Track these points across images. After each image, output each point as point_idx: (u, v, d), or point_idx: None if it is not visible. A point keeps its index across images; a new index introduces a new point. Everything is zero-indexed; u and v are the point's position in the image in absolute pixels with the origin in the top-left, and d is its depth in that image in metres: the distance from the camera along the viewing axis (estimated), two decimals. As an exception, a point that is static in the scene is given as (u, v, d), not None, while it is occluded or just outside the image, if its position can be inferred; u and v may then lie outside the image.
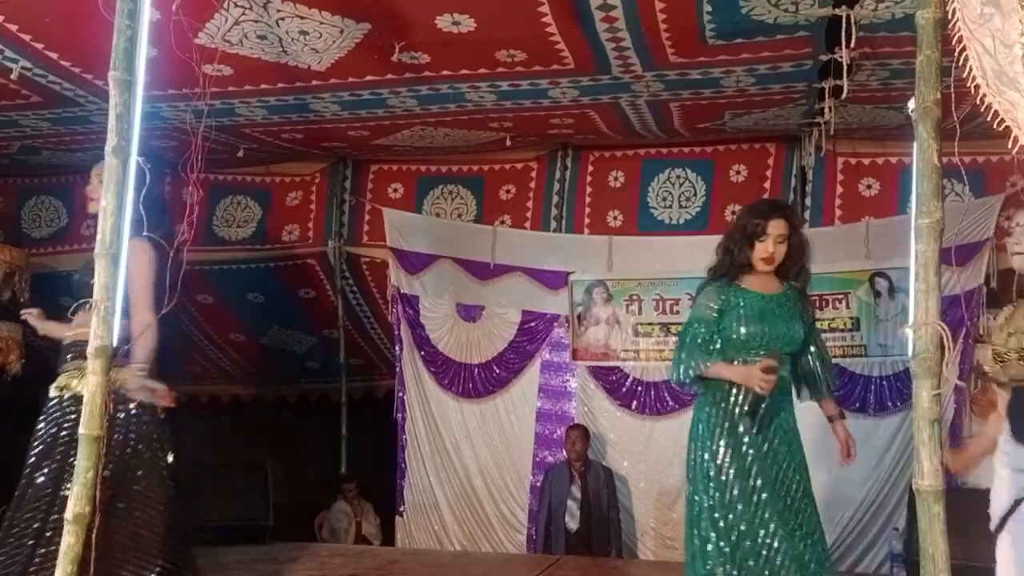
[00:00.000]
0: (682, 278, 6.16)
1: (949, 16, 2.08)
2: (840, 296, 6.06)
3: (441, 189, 6.87)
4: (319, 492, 7.71)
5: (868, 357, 6.01)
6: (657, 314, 6.34)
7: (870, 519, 5.84)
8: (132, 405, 3.33)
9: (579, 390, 6.54)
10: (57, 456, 3.27)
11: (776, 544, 3.17)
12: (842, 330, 6.04)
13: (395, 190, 6.93)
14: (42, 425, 3.35)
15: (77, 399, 3.15)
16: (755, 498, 3.21)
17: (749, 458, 3.23)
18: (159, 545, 3.32)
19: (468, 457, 6.63)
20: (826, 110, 4.89)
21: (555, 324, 6.60)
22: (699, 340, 3.35)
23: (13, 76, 4.49)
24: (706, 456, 3.28)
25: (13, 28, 4.01)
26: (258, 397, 8.36)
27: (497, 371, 6.68)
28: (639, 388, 6.41)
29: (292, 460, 7.80)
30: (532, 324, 6.64)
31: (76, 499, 2.57)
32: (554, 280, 6.58)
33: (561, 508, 6.04)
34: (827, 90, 4.64)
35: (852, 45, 3.84)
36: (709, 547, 3.22)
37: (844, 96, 4.31)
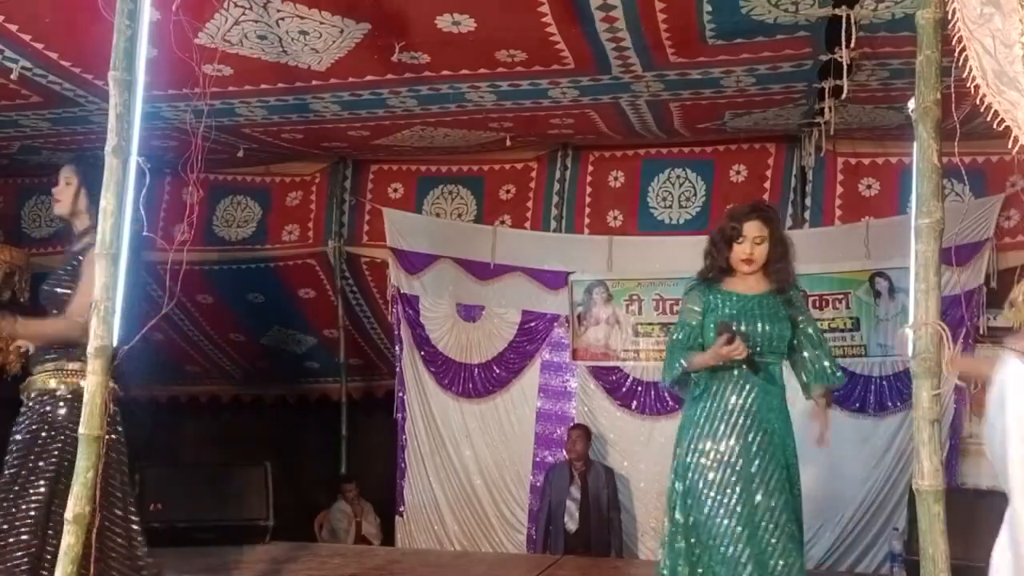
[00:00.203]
0: (682, 278, 6.11)
1: (949, 16, 2.09)
2: (840, 296, 6.06)
3: (441, 189, 6.87)
4: (319, 492, 7.71)
5: (868, 357, 6.01)
6: (657, 314, 6.33)
7: (870, 519, 5.83)
8: (35, 393, 3.22)
9: (579, 390, 6.54)
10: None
11: (740, 548, 3.22)
12: (842, 330, 6.04)
13: (395, 190, 6.93)
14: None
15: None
16: (724, 499, 3.27)
17: (723, 462, 3.30)
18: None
19: (468, 457, 6.63)
20: (826, 110, 4.89)
21: (555, 324, 6.60)
22: (682, 342, 3.47)
23: (13, 76, 4.49)
24: (684, 455, 3.39)
25: (13, 28, 4.01)
26: (258, 397, 8.35)
27: (497, 371, 6.68)
28: (639, 388, 6.41)
29: (292, 460, 7.79)
30: (532, 324, 6.64)
31: (76, 499, 2.57)
32: (554, 280, 6.58)
33: (560, 508, 6.04)
34: (827, 90, 4.64)
35: (852, 45, 3.84)
36: (676, 545, 3.36)
37: (844, 96, 4.32)
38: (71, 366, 3.18)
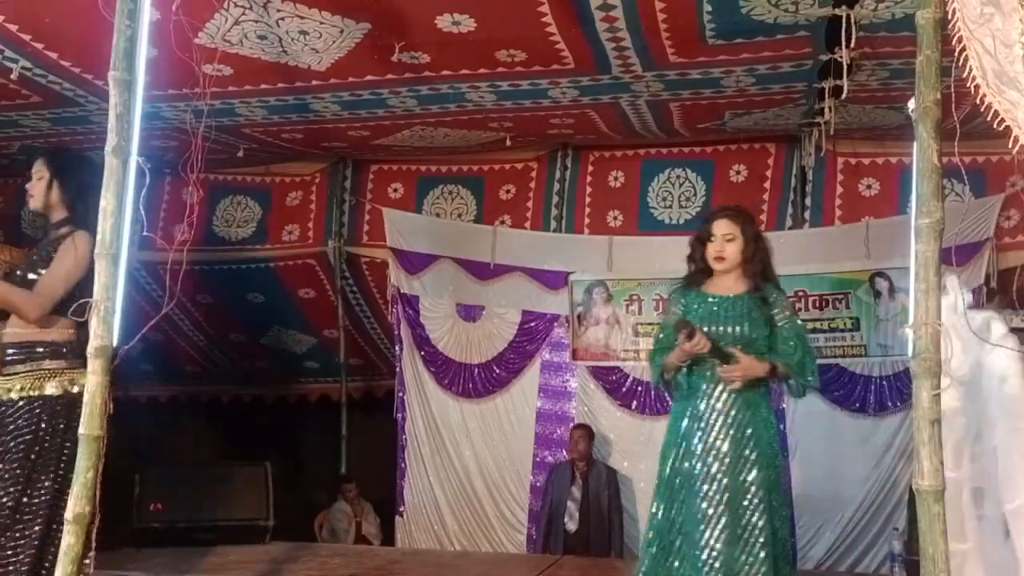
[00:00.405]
0: (682, 278, 6.15)
1: (949, 16, 2.09)
2: (840, 296, 6.06)
3: (441, 189, 6.87)
4: (319, 492, 7.71)
5: (868, 357, 6.00)
6: (657, 314, 6.32)
7: (870, 519, 5.83)
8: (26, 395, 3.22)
9: (579, 390, 6.54)
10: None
11: (710, 553, 3.26)
12: (842, 330, 6.04)
13: (395, 190, 6.93)
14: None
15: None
16: (703, 503, 3.32)
17: (704, 461, 3.36)
18: None
19: (468, 457, 6.62)
20: (826, 110, 4.89)
21: (555, 324, 6.60)
22: (662, 344, 3.59)
23: (13, 76, 4.49)
24: (666, 456, 3.50)
25: (13, 28, 4.00)
26: (258, 397, 8.35)
27: (497, 371, 6.68)
28: (639, 388, 6.40)
29: (292, 460, 7.80)
30: (532, 324, 6.64)
31: (76, 499, 2.57)
32: (554, 280, 6.58)
33: (561, 508, 6.04)
34: (827, 90, 4.63)
35: (852, 45, 3.84)
36: (652, 548, 3.47)
37: (844, 96, 4.31)
38: (50, 365, 3.20)
